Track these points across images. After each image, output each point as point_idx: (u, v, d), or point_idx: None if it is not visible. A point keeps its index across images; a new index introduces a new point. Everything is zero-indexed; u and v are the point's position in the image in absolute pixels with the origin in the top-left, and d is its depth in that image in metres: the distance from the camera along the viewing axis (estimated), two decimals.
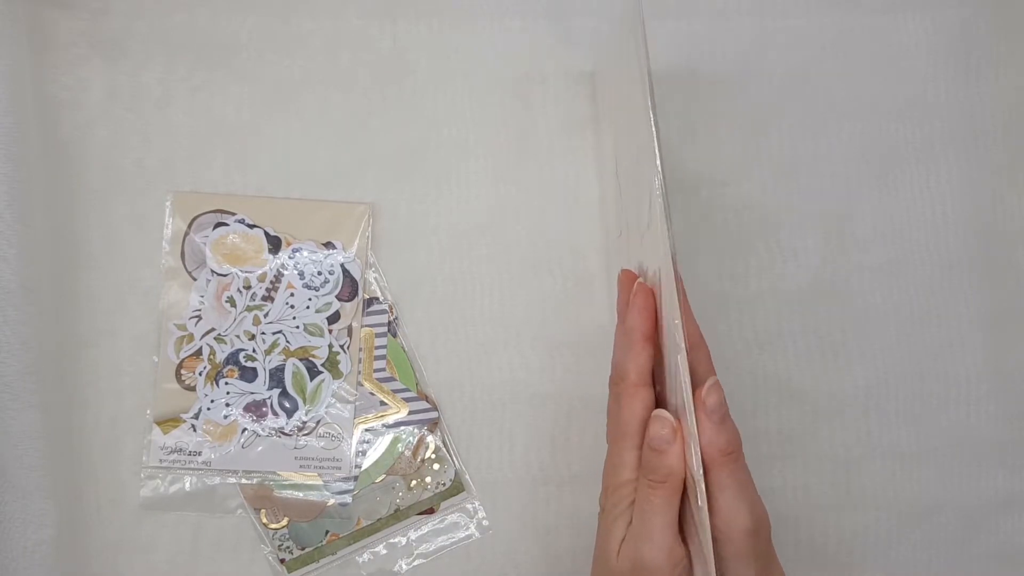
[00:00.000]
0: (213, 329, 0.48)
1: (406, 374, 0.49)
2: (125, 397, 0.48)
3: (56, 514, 0.45)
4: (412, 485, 0.49)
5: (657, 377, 0.41)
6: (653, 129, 0.37)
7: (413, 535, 0.49)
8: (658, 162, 0.37)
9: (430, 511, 0.49)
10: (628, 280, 0.42)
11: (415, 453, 0.49)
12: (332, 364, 0.49)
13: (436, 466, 0.49)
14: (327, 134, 0.51)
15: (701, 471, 0.36)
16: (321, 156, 0.50)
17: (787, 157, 0.52)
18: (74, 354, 0.48)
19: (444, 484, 0.49)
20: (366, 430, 0.49)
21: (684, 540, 0.38)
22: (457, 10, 0.52)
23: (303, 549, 0.48)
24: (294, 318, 0.49)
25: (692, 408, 0.36)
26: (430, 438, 0.49)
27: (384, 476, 0.49)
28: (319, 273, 0.49)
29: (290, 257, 0.49)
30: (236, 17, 0.51)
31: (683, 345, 0.36)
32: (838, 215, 0.52)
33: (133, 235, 0.49)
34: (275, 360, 0.48)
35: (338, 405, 0.49)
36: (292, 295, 0.49)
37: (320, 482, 0.48)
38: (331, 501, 0.48)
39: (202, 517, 0.48)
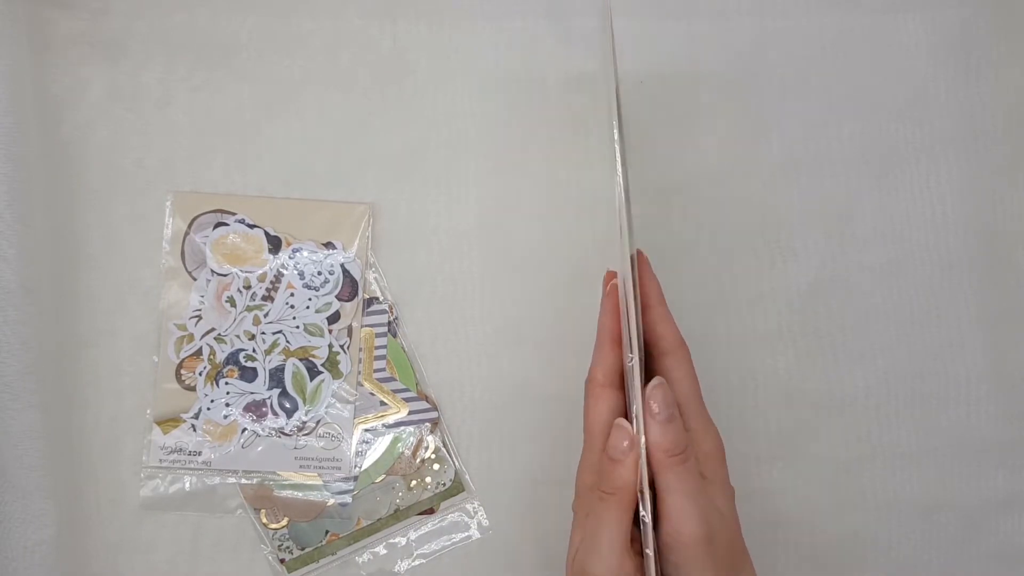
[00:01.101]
0: (213, 329, 0.48)
1: (406, 374, 0.49)
2: (125, 397, 0.48)
3: (56, 514, 0.45)
4: (412, 485, 0.49)
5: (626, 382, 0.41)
6: (616, 131, 0.37)
7: (413, 535, 0.49)
8: (619, 163, 0.37)
9: (430, 511, 0.49)
10: (607, 280, 0.42)
11: (415, 453, 0.49)
12: (332, 364, 0.49)
13: (436, 466, 0.49)
14: (327, 134, 0.51)
15: (646, 482, 0.36)
16: (321, 156, 0.50)
17: (787, 157, 0.52)
18: (74, 354, 0.48)
19: (444, 484, 0.49)
20: (366, 430, 0.49)
21: (640, 551, 0.37)
22: (457, 10, 0.52)
23: (303, 549, 0.48)
24: (294, 318, 0.49)
25: (642, 413, 0.36)
26: (430, 438, 0.49)
27: (384, 476, 0.49)
28: (319, 273, 0.49)
29: (290, 257, 0.49)
30: (236, 17, 0.51)
31: (635, 349, 0.36)
32: (838, 215, 0.52)
33: (133, 235, 0.49)
34: (275, 360, 0.48)
35: (338, 405, 0.49)
36: (292, 295, 0.49)
37: (320, 482, 0.48)
38: (331, 501, 0.48)
39: (202, 517, 0.48)
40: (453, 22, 0.52)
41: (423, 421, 0.49)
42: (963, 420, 0.51)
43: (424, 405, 0.49)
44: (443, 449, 0.49)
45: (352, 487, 0.48)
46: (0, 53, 0.45)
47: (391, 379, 0.49)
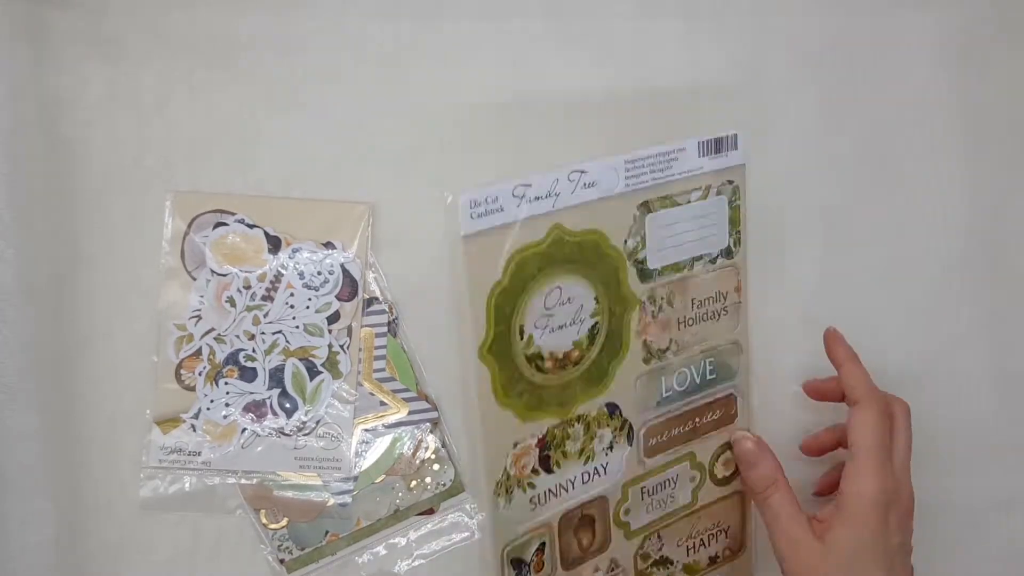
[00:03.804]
0: (213, 329, 0.48)
1: (406, 374, 0.49)
2: (124, 397, 0.48)
3: (56, 514, 0.45)
4: (412, 485, 0.49)
5: None
6: None
7: (413, 535, 0.49)
8: None
9: (430, 511, 0.49)
10: None
11: (415, 453, 0.49)
12: (332, 364, 0.49)
13: (436, 466, 0.49)
14: (327, 133, 0.50)
15: None
16: (321, 155, 0.50)
17: (788, 157, 0.52)
18: (74, 354, 0.48)
19: (444, 484, 0.49)
20: (366, 430, 0.49)
21: None
22: (457, 10, 0.52)
23: (303, 549, 0.48)
24: (294, 318, 0.49)
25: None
26: (430, 438, 0.49)
27: (384, 476, 0.49)
28: (319, 273, 0.49)
29: (290, 257, 0.49)
30: (236, 16, 0.51)
31: None
32: (838, 215, 0.52)
33: (133, 235, 0.49)
34: (274, 360, 0.48)
35: (338, 405, 0.48)
36: (292, 295, 0.49)
37: (320, 482, 0.48)
38: (331, 501, 0.48)
39: (201, 517, 0.48)
40: (453, 22, 0.51)
41: (423, 421, 0.49)
42: (963, 420, 0.51)
43: (424, 405, 0.49)
44: (443, 449, 0.49)
45: (352, 487, 0.48)
46: (1, 53, 0.45)
47: (391, 379, 0.49)
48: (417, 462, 0.49)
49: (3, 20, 0.45)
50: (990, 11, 0.53)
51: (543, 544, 0.44)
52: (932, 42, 0.53)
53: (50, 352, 0.46)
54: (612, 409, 0.44)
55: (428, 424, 0.49)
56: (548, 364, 0.41)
